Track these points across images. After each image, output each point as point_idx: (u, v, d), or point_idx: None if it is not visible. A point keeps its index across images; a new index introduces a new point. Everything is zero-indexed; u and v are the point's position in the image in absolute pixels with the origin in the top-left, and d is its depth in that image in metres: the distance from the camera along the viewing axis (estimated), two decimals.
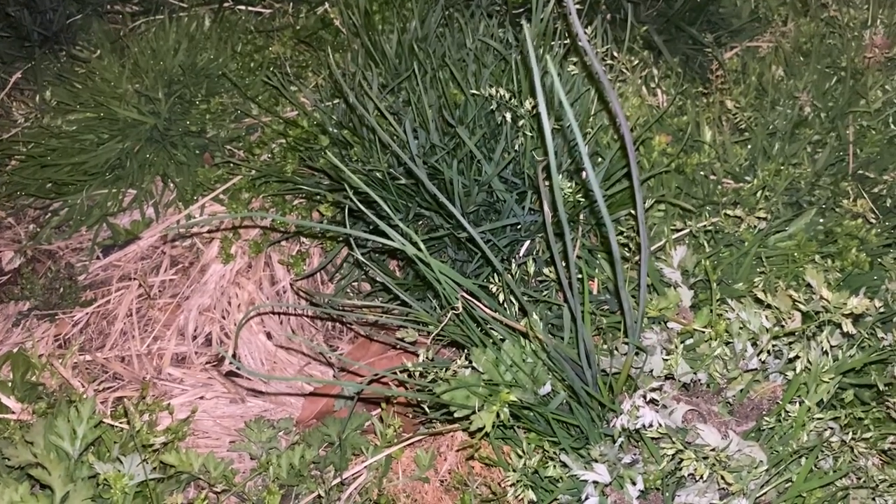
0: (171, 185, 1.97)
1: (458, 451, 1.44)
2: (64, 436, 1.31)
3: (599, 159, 1.56)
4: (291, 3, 2.14)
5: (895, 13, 1.77)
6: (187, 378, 1.73)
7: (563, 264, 1.22)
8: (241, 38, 2.12)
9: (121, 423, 1.43)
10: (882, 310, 1.29)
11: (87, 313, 1.84)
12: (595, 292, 1.55)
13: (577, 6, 1.69)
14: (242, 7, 2.22)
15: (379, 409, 1.53)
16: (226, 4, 2.22)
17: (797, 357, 1.22)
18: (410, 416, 1.54)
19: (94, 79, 2.05)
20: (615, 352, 1.32)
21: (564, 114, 1.53)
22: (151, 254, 1.92)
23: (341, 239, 1.72)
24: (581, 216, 1.55)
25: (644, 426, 1.15)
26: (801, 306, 1.22)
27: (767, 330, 1.23)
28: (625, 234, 1.51)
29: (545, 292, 1.52)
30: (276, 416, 1.65)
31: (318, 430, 1.52)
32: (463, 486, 1.41)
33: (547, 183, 1.30)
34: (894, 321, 1.35)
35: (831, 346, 1.24)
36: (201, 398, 1.69)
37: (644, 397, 1.14)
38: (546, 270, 1.48)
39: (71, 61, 2.17)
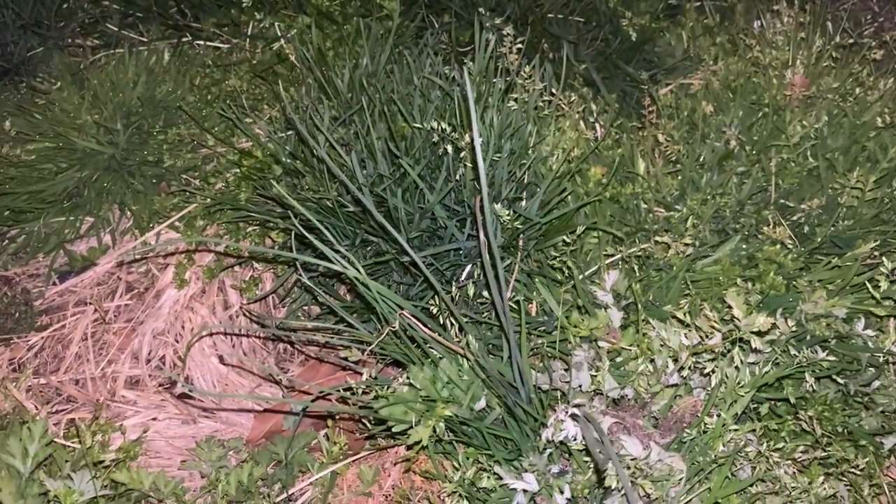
0: (128, 212, 2.02)
1: (396, 464, 1.50)
2: (15, 454, 1.35)
3: (536, 188, 1.65)
4: (248, 39, 2.22)
5: (812, 55, 1.90)
6: (140, 400, 1.77)
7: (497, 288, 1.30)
8: (199, 71, 2.20)
9: (73, 442, 1.47)
10: (794, 328, 1.38)
11: (42, 337, 1.88)
12: (534, 314, 1.63)
13: (518, 45, 1.79)
14: (201, 42, 2.29)
15: (326, 428, 1.59)
16: (185, 39, 2.30)
17: (713, 372, 1.32)
18: (356, 433, 1.60)
19: (54, 110, 2.10)
20: (549, 370, 1.40)
21: (503, 146, 1.63)
22: (107, 279, 1.97)
23: (292, 264, 1.78)
24: (520, 241, 1.63)
25: (568, 438, 1.23)
26: (716, 326, 1.31)
27: (686, 347, 1.32)
28: (558, 259, 1.60)
29: (485, 314, 1.60)
30: (227, 436, 1.70)
31: (266, 449, 1.57)
32: (405, 499, 1.47)
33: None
34: (807, 339, 1.45)
35: (748, 363, 1.33)
36: (154, 419, 1.73)
37: (566, 411, 1.22)
38: (485, 293, 1.56)
39: (31, 93, 2.22)
